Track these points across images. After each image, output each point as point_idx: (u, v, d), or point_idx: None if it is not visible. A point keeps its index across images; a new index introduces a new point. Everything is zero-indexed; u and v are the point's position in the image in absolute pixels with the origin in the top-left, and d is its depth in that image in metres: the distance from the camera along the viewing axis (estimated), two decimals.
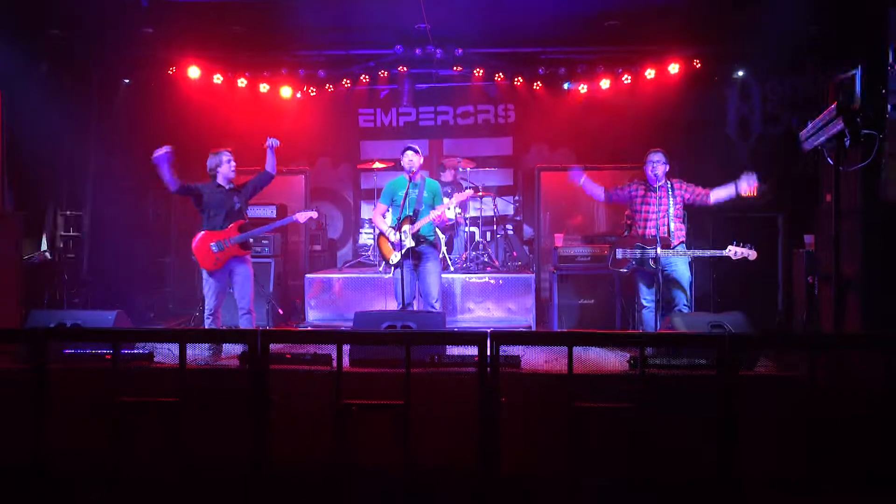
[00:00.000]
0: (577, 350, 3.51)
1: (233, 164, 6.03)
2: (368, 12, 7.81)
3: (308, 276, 8.14)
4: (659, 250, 5.79)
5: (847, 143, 4.69)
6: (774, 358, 5.03)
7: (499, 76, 9.35)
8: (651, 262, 5.90)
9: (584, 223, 9.04)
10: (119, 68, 8.75)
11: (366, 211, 10.54)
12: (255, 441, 3.53)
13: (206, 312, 6.00)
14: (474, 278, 7.88)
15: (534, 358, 5.15)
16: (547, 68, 9.21)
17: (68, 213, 8.26)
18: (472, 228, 9.02)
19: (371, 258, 8.94)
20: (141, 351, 4.98)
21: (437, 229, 6.44)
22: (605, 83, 9.10)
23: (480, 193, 9.15)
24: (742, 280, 7.06)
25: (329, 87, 9.60)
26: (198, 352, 5.77)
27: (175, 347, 3.66)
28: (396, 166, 6.77)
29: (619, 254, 6.12)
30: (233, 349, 5.84)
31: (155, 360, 4.90)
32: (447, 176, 9.30)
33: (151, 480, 3.80)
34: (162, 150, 5.83)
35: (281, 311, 7.93)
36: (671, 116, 8.45)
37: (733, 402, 3.39)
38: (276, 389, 3.74)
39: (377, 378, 4.37)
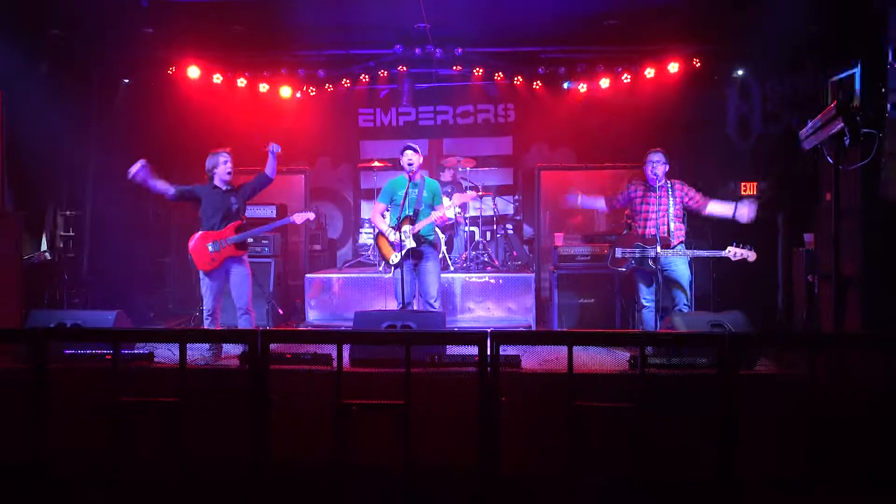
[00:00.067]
0: (577, 350, 3.51)
1: (229, 165, 6.02)
2: (368, 12, 7.80)
3: (308, 275, 8.14)
4: (658, 250, 5.78)
5: (847, 141, 4.69)
6: (774, 357, 5.03)
7: (498, 76, 9.35)
8: (650, 262, 5.90)
9: (584, 222, 9.04)
10: (119, 68, 8.74)
11: (366, 210, 10.55)
12: (255, 441, 3.53)
13: (205, 313, 6.01)
14: (474, 278, 7.88)
15: (534, 357, 5.15)
16: (547, 68, 9.21)
17: (68, 212, 8.25)
18: (472, 228, 9.02)
19: (371, 258, 8.94)
20: (141, 351, 4.98)
21: (437, 229, 6.44)
22: (604, 82, 9.10)
23: (480, 193, 9.15)
24: (742, 279, 7.06)
25: (329, 87, 9.60)
26: (198, 352, 5.79)
27: (175, 347, 3.66)
28: (396, 166, 6.77)
29: (619, 253, 6.12)
30: (233, 349, 5.85)
31: (155, 360, 4.91)
32: (447, 176, 9.30)
33: (151, 480, 3.80)
34: (136, 167, 5.84)
35: (281, 311, 7.93)
36: (671, 116, 8.44)
37: (733, 401, 3.39)
38: (277, 389, 3.74)
39: (377, 378, 4.38)
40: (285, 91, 9.57)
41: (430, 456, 3.90)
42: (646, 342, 3.67)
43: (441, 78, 9.88)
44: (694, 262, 6.31)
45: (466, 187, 8.97)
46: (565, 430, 3.51)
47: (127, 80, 8.88)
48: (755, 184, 7.63)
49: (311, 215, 6.23)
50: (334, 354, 3.63)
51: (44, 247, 7.91)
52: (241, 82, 9.27)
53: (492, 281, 7.85)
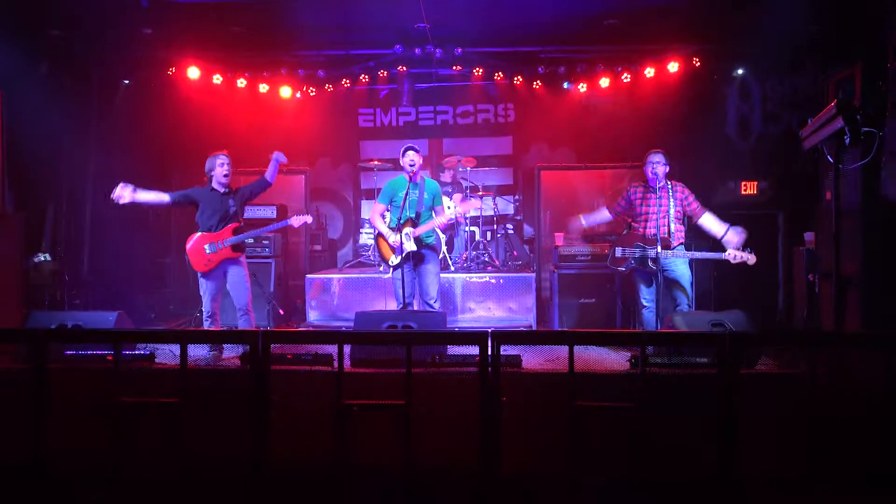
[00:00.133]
0: (578, 349, 3.51)
1: (226, 167, 6.00)
2: (368, 12, 7.80)
3: (308, 276, 8.14)
4: (659, 249, 5.77)
5: (847, 141, 4.70)
6: (775, 356, 5.03)
7: (498, 75, 9.35)
8: (650, 263, 5.90)
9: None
10: (119, 68, 8.74)
11: (366, 211, 10.55)
12: (255, 441, 3.53)
13: (205, 315, 6.01)
14: (475, 278, 7.88)
15: (535, 357, 5.15)
16: (546, 67, 9.21)
17: (68, 213, 8.25)
18: (473, 228, 9.02)
19: (371, 258, 8.95)
20: (142, 352, 4.98)
21: (438, 229, 6.43)
22: (604, 82, 9.10)
23: (481, 193, 9.15)
24: (742, 278, 7.05)
25: (329, 87, 9.60)
26: (199, 352, 5.79)
27: (176, 348, 3.66)
28: (396, 166, 6.77)
29: (619, 252, 6.12)
30: (234, 350, 5.85)
31: (156, 360, 4.91)
32: (447, 176, 9.30)
33: (152, 481, 3.80)
34: (117, 192, 5.89)
35: (282, 312, 7.93)
36: (671, 115, 8.44)
37: (734, 400, 3.39)
38: (277, 390, 3.74)
39: (378, 378, 4.38)
40: (285, 91, 9.57)
41: (431, 456, 3.90)
42: (646, 342, 3.67)
43: (441, 78, 9.89)
44: (694, 262, 6.31)
45: (466, 187, 8.98)
46: (566, 429, 3.51)
47: (127, 81, 8.88)
48: (755, 183, 7.62)
49: (309, 219, 6.22)
50: (335, 355, 3.62)
51: (44, 247, 7.90)
52: (241, 83, 9.28)
53: (492, 281, 7.85)
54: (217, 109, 9.13)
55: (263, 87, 9.44)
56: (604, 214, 6.37)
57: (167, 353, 4.86)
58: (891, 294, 4.99)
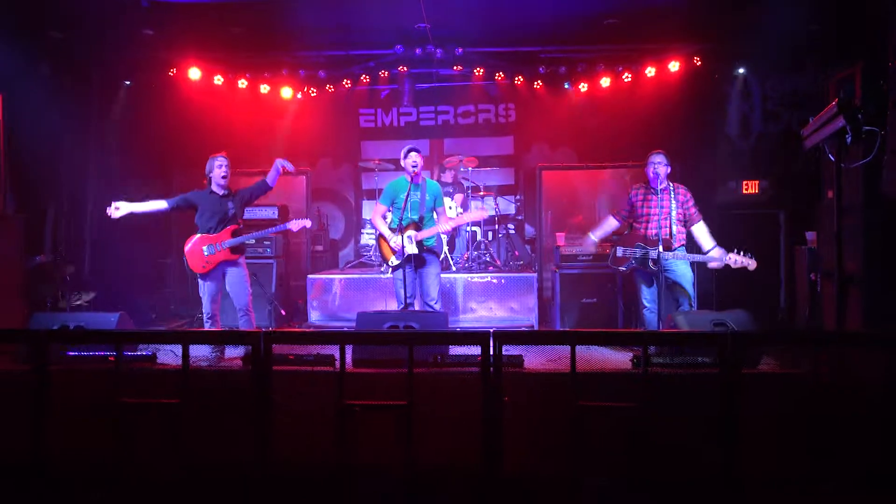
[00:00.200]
0: (579, 349, 3.51)
1: (223, 169, 6.00)
2: (368, 12, 7.80)
3: (310, 276, 8.14)
4: (660, 249, 5.76)
5: (848, 139, 4.68)
6: (777, 356, 5.02)
7: (499, 75, 9.35)
8: (651, 264, 5.89)
9: (586, 222, 9.01)
10: (120, 69, 8.75)
11: (367, 211, 10.54)
12: (258, 442, 3.53)
13: (205, 316, 6.02)
14: (476, 278, 7.88)
15: (537, 357, 5.15)
16: (547, 67, 9.22)
17: (69, 214, 8.25)
18: (474, 228, 9.02)
19: (373, 258, 8.95)
20: (144, 353, 4.99)
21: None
22: (605, 82, 9.10)
23: (482, 193, 9.15)
24: (744, 278, 7.02)
25: (329, 88, 9.61)
26: (200, 353, 5.79)
27: (178, 349, 3.66)
28: (397, 167, 6.76)
29: (620, 252, 6.11)
30: (235, 351, 5.85)
31: (158, 361, 4.91)
32: (448, 176, 9.30)
33: (154, 481, 3.80)
34: (111, 211, 5.89)
35: (283, 312, 7.93)
36: (672, 114, 8.45)
37: (736, 400, 3.39)
38: (279, 390, 3.74)
39: (380, 378, 4.37)
40: (286, 92, 9.58)
41: (433, 456, 3.90)
42: (649, 341, 3.66)
43: (442, 78, 9.89)
44: (696, 262, 6.31)
45: (468, 187, 8.98)
46: (568, 429, 3.51)
47: (128, 82, 8.89)
48: (757, 182, 7.62)
49: (308, 223, 6.21)
50: (337, 355, 3.62)
51: (46, 248, 7.90)
52: (242, 83, 9.28)
53: (494, 281, 7.84)
54: (218, 110, 9.14)
55: (264, 88, 9.44)
56: (611, 223, 6.34)
57: (169, 354, 4.86)
58: (892, 292, 4.99)
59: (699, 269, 6.77)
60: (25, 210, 7.32)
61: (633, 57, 8.85)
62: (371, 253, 9.09)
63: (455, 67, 9.28)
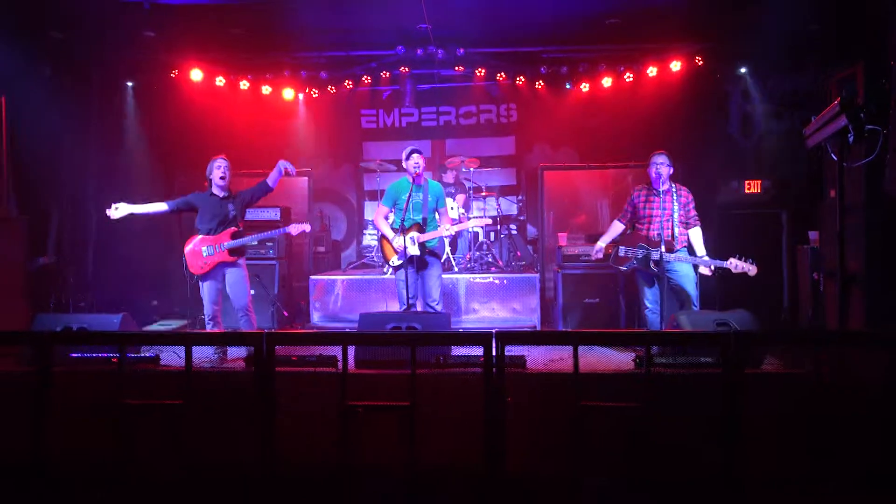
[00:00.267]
0: (582, 349, 3.51)
1: (222, 170, 5.99)
2: (369, 13, 7.80)
3: (312, 277, 8.14)
4: (662, 250, 5.75)
5: (850, 139, 4.68)
6: (780, 355, 5.02)
7: (501, 76, 9.34)
8: (653, 265, 5.88)
9: (588, 222, 9.04)
10: (121, 71, 8.77)
11: (369, 212, 10.55)
12: (261, 443, 3.53)
13: (206, 318, 6.03)
14: (478, 278, 7.88)
15: (539, 358, 5.15)
16: (549, 67, 9.21)
17: (73, 216, 8.27)
18: (476, 228, 9.01)
19: (375, 259, 8.95)
20: (147, 354, 5.00)
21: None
22: (606, 81, 9.09)
23: (484, 193, 9.15)
24: (747, 278, 7.04)
25: (331, 89, 9.61)
26: (203, 354, 5.80)
27: (181, 350, 3.67)
28: (399, 167, 6.76)
29: (622, 251, 6.11)
30: (238, 352, 5.86)
31: (161, 362, 4.92)
32: (449, 177, 9.30)
33: (157, 483, 3.81)
34: (110, 211, 5.91)
35: (286, 313, 7.93)
36: (673, 114, 8.44)
37: (739, 400, 3.39)
38: (282, 391, 3.75)
39: (382, 379, 4.38)
40: (288, 93, 9.59)
41: (435, 456, 3.90)
42: (651, 341, 3.67)
43: (443, 79, 9.90)
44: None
45: (470, 188, 8.97)
46: (571, 430, 3.51)
47: (130, 83, 8.90)
48: (759, 182, 7.62)
49: (307, 227, 6.21)
50: (339, 356, 3.63)
51: (49, 250, 7.92)
52: (244, 85, 9.28)
53: (496, 281, 7.84)
54: (220, 111, 9.15)
55: (266, 89, 9.45)
56: (617, 228, 6.32)
57: (172, 356, 4.87)
58: (895, 292, 4.98)
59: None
60: (28, 212, 7.33)
61: (634, 57, 8.85)
62: (373, 254, 9.09)
63: (456, 68, 9.28)
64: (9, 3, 6.78)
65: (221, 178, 5.99)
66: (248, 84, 9.29)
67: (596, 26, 8.17)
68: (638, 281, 6.16)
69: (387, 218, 6.31)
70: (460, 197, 8.96)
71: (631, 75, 8.91)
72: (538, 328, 7.64)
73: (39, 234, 7.70)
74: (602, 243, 6.33)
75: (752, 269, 5.62)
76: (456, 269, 8.28)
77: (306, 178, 9.24)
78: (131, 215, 5.96)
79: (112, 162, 8.47)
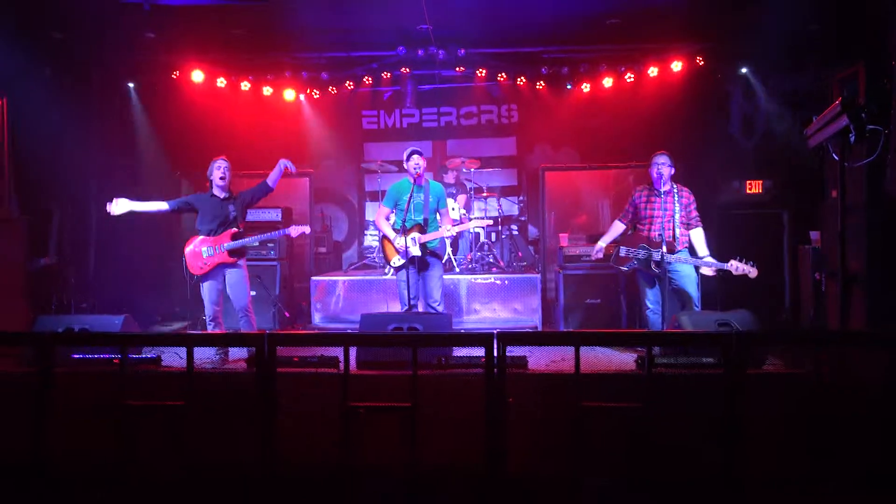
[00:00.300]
0: (583, 350, 3.50)
1: (222, 171, 6.00)
2: (370, 14, 7.80)
3: (314, 278, 8.15)
4: (664, 250, 5.75)
5: (852, 138, 4.67)
6: (782, 356, 5.02)
7: (501, 76, 9.34)
8: (654, 266, 5.88)
9: (589, 222, 9.04)
10: (123, 72, 8.78)
11: (370, 213, 10.56)
12: (262, 444, 3.53)
13: (207, 318, 6.04)
14: (480, 279, 7.88)
15: (541, 358, 5.15)
16: (549, 68, 9.21)
17: (74, 217, 8.27)
18: (478, 229, 9.01)
19: (376, 260, 8.95)
20: (148, 355, 5.00)
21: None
22: (607, 82, 9.09)
23: (485, 194, 9.15)
24: (748, 278, 7.06)
25: (332, 90, 9.61)
26: (205, 355, 5.80)
27: (182, 351, 3.67)
28: (400, 168, 6.76)
29: (623, 251, 6.11)
30: (239, 353, 5.86)
31: (162, 363, 4.92)
32: (450, 177, 9.30)
33: (158, 483, 3.81)
34: (110, 206, 5.93)
35: (287, 314, 7.94)
36: (674, 114, 8.44)
37: (740, 400, 3.38)
38: (284, 392, 3.75)
39: (384, 380, 4.38)
40: (289, 94, 9.59)
41: (436, 457, 3.90)
42: (653, 342, 3.66)
43: (444, 79, 9.90)
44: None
45: (470, 188, 8.97)
46: (573, 430, 3.50)
47: (131, 84, 8.91)
48: (760, 182, 7.61)
49: (307, 229, 6.22)
50: (341, 357, 3.63)
51: (50, 251, 7.92)
52: (245, 86, 9.29)
53: (497, 282, 7.84)
54: (221, 112, 9.15)
55: (267, 90, 9.45)
56: (618, 228, 6.32)
57: (173, 357, 4.87)
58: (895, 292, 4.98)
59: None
60: (29, 212, 7.34)
61: (635, 57, 8.84)
62: (374, 255, 9.09)
63: (457, 68, 9.28)
64: (10, 4, 6.78)
65: (221, 178, 5.99)
66: (248, 85, 9.30)
67: (596, 26, 8.17)
68: (639, 281, 6.16)
69: (388, 218, 6.31)
70: (462, 197, 8.96)
71: (632, 75, 8.91)
72: (539, 329, 7.64)
73: (40, 235, 7.71)
74: (603, 243, 6.33)
75: (752, 272, 5.61)
76: (457, 269, 8.28)
77: (307, 179, 9.25)
78: (131, 212, 5.96)
79: (113, 163, 8.48)
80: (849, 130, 4.61)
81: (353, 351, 3.95)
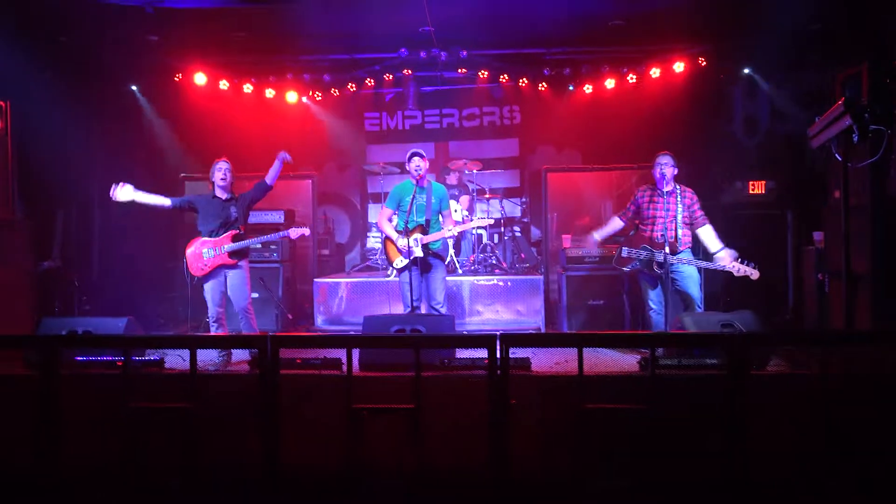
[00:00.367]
0: (586, 351, 3.50)
1: (222, 172, 6.02)
2: (373, 16, 7.82)
3: (316, 280, 8.15)
4: (666, 250, 5.74)
5: (855, 139, 4.67)
6: (785, 356, 5.01)
7: (504, 78, 9.35)
8: (656, 266, 5.87)
9: (592, 224, 8.97)
10: (125, 75, 8.80)
11: (373, 214, 10.57)
12: (265, 446, 3.54)
13: (210, 320, 6.06)
14: (482, 281, 7.87)
15: (544, 360, 5.14)
16: (552, 69, 9.22)
17: (78, 220, 8.29)
18: (480, 230, 9.02)
19: (379, 262, 8.95)
20: (152, 357, 4.99)
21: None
22: (610, 83, 9.09)
23: (487, 195, 9.15)
24: (751, 279, 7.05)
25: (334, 92, 9.63)
26: (208, 357, 5.81)
27: (185, 353, 3.67)
28: (403, 170, 6.76)
29: (625, 252, 6.09)
30: (243, 354, 5.86)
31: (165, 366, 4.92)
32: (453, 178, 9.30)
33: (163, 485, 3.81)
34: (114, 191, 5.92)
35: (290, 316, 7.94)
36: (677, 115, 8.44)
37: (744, 401, 3.38)
38: (287, 394, 3.75)
39: (387, 382, 4.37)
40: (291, 96, 9.61)
41: (440, 458, 3.90)
42: (656, 343, 3.66)
43: (446, 81, 9.90)
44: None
45: (473, 190, 8.98)
46: (576, 432, 3.50)
47: (134, 87, 8.94)
48: (763, 182, 7.60)
49: (306, 231, 6.22)
50: (344, 359, 3.63)
51: (54, 254, 7.94)
52: (248, 88, 9.31)
53: (500, 283, 7.84)
54: (224, 115, 9.17)
55: (270, 92, 9.47)
56: (615, 224, 6.32)
57: (176, 359, 4.87)
58: None
59: (706, 270, 6.75)
60: (33, 215, 7.35)
61: (637, 58, 8.84)
62: (377, 256, 9.09)
63: (459, 70, 9.30)
64: (14, 8, 6.80)
65: (223, 179, 6.01)
66: (251, 87, 9.32)
67: (599, 28, 8.17)
68: (641, 283, 6.15)
69: (390, 220, 6.32)
70: (465, 199, 8.96)
71: (634, 76, 8.91)
72: (542, 330, 7.63)
73: (45, 238, 7.72)
74: (598, 235, 6.32)
75: (754, 274, 5.61)
76: (460, 270, 8.28)
77: (310, 181, 9.25)
78: (133, 202, 5.96)
79: (117, 165, 8.47)
80: (852, 130, 4.60)
81: (356, 353, 3.95)
